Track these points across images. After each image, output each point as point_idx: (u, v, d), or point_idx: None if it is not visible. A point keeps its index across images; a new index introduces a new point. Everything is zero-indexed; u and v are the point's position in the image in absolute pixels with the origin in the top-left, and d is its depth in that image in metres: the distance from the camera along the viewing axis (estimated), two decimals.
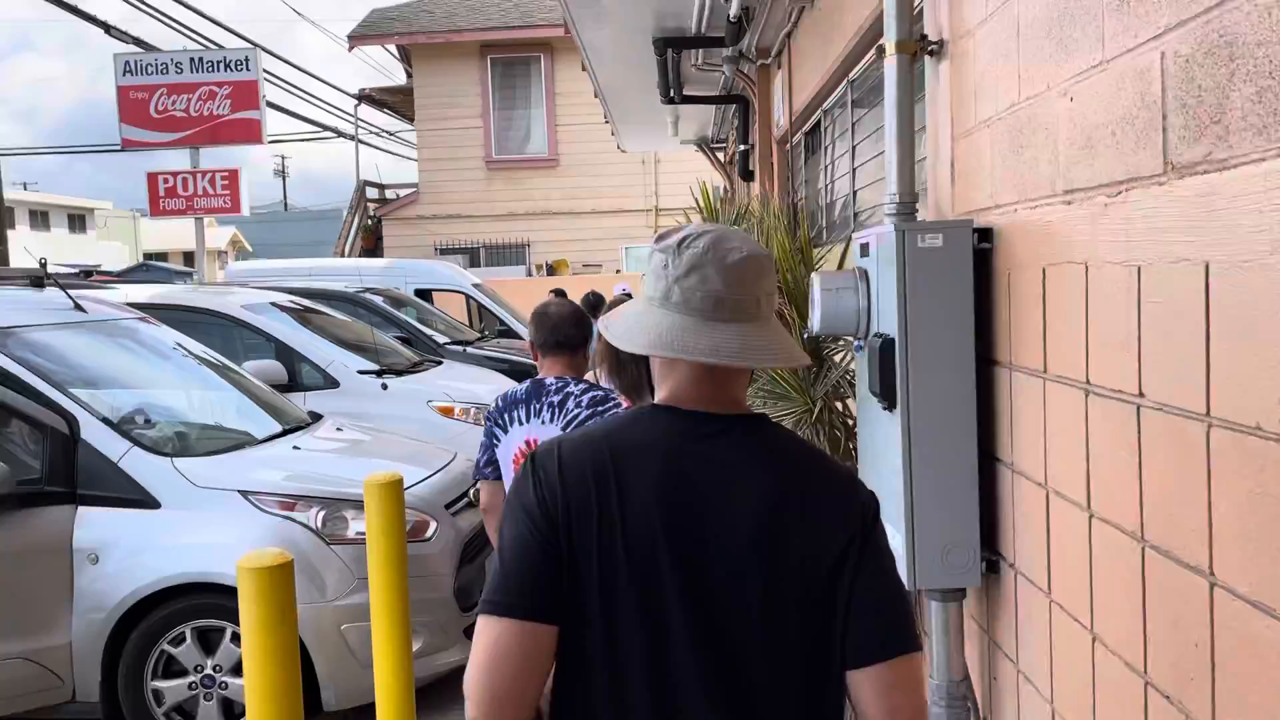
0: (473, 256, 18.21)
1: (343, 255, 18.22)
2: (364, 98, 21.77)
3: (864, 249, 2.69)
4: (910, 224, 2.36)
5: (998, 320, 2.31)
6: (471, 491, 4.47)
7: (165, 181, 14.63)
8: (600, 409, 3.00)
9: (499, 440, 3.12)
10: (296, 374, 6.88)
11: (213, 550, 3.91)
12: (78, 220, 49.44)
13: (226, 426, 4.87)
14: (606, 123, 11.96)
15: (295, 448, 4.62)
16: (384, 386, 6.88)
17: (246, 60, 14.55)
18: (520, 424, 3.06)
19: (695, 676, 1.32)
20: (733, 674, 1.33)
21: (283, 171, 53.91)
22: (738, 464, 1.37)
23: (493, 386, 7.75)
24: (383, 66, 36.28)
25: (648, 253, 1.50)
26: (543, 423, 3.03)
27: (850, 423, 3.26)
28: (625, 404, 2.85)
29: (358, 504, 3.99)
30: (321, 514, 4.09)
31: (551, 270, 17.73)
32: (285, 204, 53.49)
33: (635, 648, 1.33)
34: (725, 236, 1.42)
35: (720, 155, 11.74)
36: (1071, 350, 1.88)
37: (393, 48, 18.56)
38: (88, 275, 20.39)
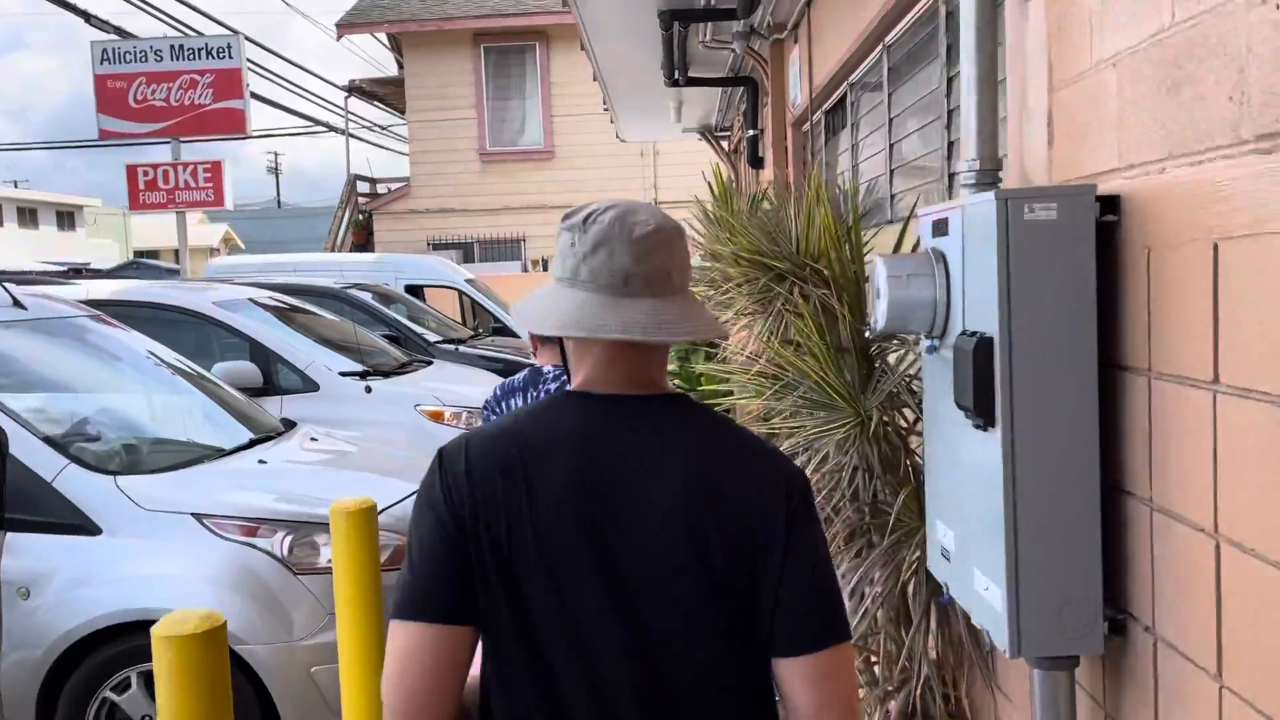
0: (466, 252, 17.68)
1: (333, 251, 17.70)
2: (354, 89, 21.21)
3: (938, 227, 2.17)
4: (1015, 192, 1.84)
5: (1129, 314, 1.80)
6: None
7: (145, 174, 14.08)
8: None
9: None
10: (272, 376, 6.36)
11: (161, 583, 3.39)
12: (66, 218, 48.83)
13: (184, 438, 4.35)
14: (605, 111, 11.44)
15: (261, 462, 4.10)
16: (368, 389, 6.36)
17: (229, 48, 13.99)
18: None
19: (623, 674, 1.29)
20: (660, 670, 1.29)
21: (276, 168, 53.50)
22: (655, 448, 1.32)
23: (485, 388, 7.24)
24: (374, 59, 35.80)
25: (557, 233, 1.41)
26: None
27: (910, 441, 2.74)
28: None
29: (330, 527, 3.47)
30: (288, 540, 3.57)
31: (547, 266, 17.20)
32: (279, 200, 53.04)
33: (559, 648, 1.28)
34: (632, 210, 1.37)
35: (724, 144, 11.23)
36: (1269, 354, 1.37)
37: (383, 36, 18.00)
38: (77, 273, 19.92)
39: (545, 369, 3.11)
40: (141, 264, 25.18)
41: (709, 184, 5.23)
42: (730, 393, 3.35)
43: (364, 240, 18.71)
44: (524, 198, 17.72)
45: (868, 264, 2.73)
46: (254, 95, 19.84)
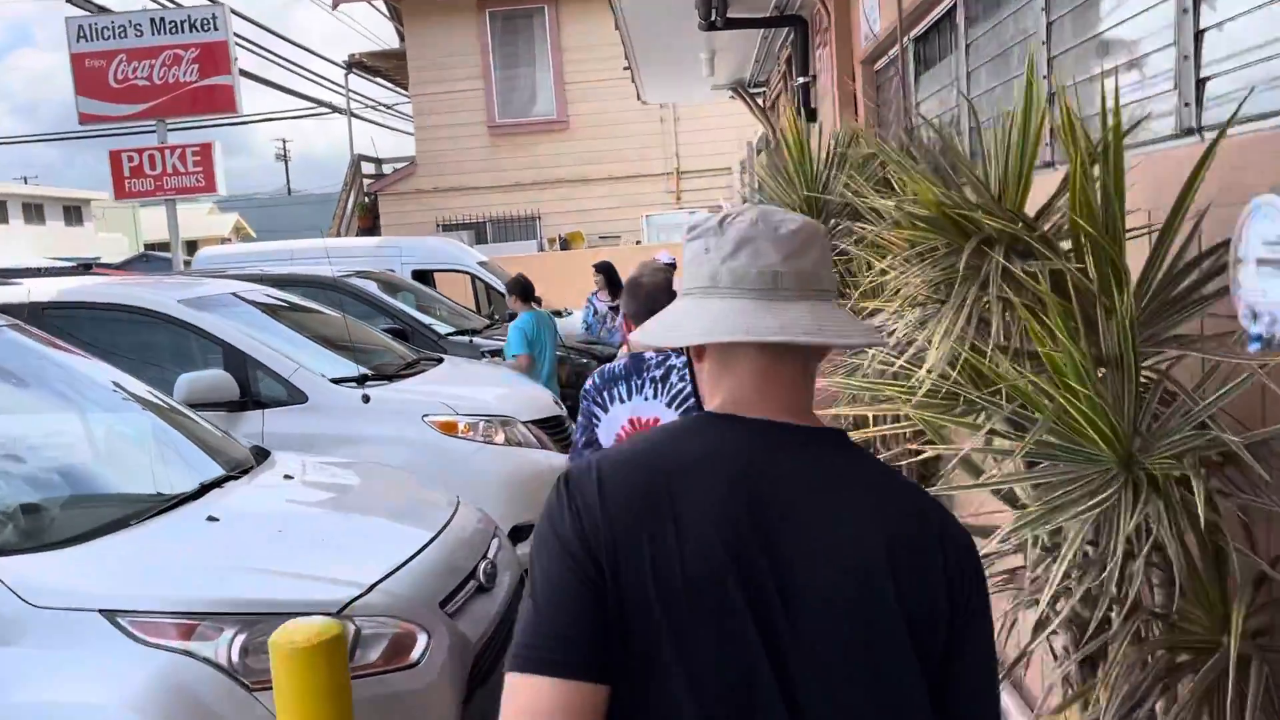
0: (478, 232, 16.60)
1: (338, 236, 16.67)
2: (354, 65, 20.09)
3: None
4: None
5: None
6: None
7: (130, 160, 13.03)
8: None
9: (599, 420, 2.97)
10: (251, 387, 5.32)
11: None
12: (74, 212, 48.07)
13: (112, 489, 3.31)
14: (625, 70, 10.33)
15: (212, 519, 3.05)
16: (365, 399, 5.31)
17: (213, 19, 12.89)
18: (622, 401, 2.93)
19: None
20: None
21: (284, 155, 52.81)
22: (822, 486, 1.15)
23: (505, 390, 6.18)
24: (375, 35, 34.66)
25: (683, 246, 1.26)
26: (645, 399, 2.92)
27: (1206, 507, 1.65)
28: None
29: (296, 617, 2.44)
30: (239, 641, 2.53)
31: (565, 244, 16.12)
32: (289, 187, 52.34)
33: (710, 708, 1.08)
34: (770, 209, 1.23)
35: (759, 100, 10.09)
36: None
37: (381, 4, 16.86)
38: (86, 268, 19.03)
39: (648, 355, 2.94)
40: (151, 257, 24.28)
41: (782, 136, 4.14)
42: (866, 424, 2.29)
43: (370, 224, 17.67)
44: (537, 172, 16.61)
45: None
46: (253, 77, 18.83)
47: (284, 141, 53.28)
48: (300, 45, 22.97)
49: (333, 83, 20.98)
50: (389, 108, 24.84)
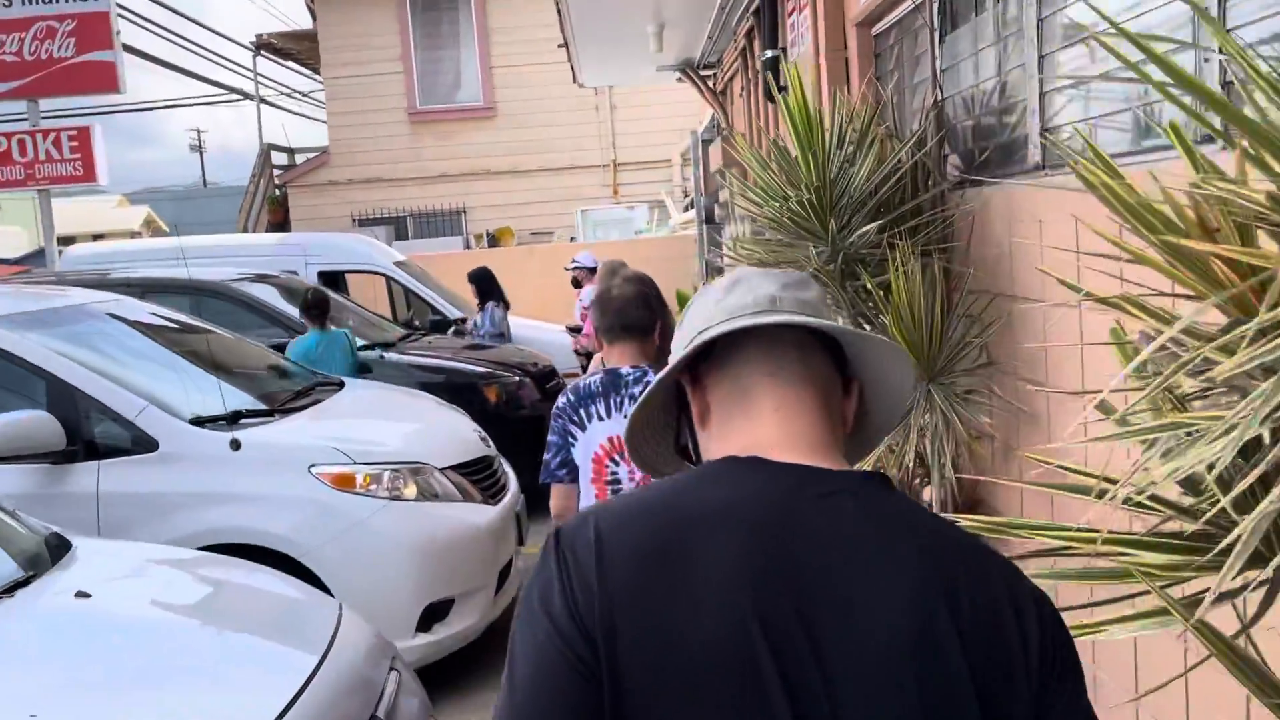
0: (398, 227, 15.32)
1: (244, 232, 15.25)
2: (263, 46, 18.59)
3: None
4: None
5: None
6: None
7: None
8: None
9: (575, 439, 2.83)
10: (82, 431, 4.11)
11: None
12: None
13: None
14: (560, 46, 9.22)
15: None
16: (234, 445, 4.13)
17: None
18: (600, 419, 2.81)
19: None
20: None
21: (199, 145, 50.66)
22: (866, 540, 0.97)
23: (417, 428, 5.05)
24: (288, 17, 32.82)
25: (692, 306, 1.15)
26: (625, 416, 2.26)
27: None
28: None
29: None
30: None
31: (494, 240, 14.93)
32: (204, 179, 50.18)
33: None
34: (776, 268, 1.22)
35: (709, 83, 9.07)
36: None
37: None
38: None
39: (623, 370, 2.84)
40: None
41: (788, 113, 3.12)
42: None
43: (282, 219, 16.25)
44: (463, 162, 15.37)
45: None
46: (157, 60, 17.23)
47: (199, 132, 51.12)
48: (203, 25, 21.26)
49: (242, 66, 19.44)
50: (305, 95, 23.30)
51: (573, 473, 2.87)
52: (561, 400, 2.88)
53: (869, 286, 3.00)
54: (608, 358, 2.93)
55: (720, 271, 9.79)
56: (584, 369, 8.89)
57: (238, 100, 22.64)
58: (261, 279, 7.92)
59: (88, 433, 4.14)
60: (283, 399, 5.00)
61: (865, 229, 2.95)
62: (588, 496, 2.85)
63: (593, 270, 9.01)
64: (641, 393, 2.66)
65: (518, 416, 7.04)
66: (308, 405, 4.92)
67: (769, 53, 6.00)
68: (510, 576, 4.82)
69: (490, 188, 15.36)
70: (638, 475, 2.80)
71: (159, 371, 4.84)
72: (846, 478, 1.02)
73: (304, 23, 18.36)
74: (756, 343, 1.07)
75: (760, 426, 1.04)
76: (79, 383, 4.16)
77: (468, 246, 14.91)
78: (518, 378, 7.17)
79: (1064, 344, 2.65)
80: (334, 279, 9.93)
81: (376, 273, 9.77)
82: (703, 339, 1.06)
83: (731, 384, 1.07)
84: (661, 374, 1.11)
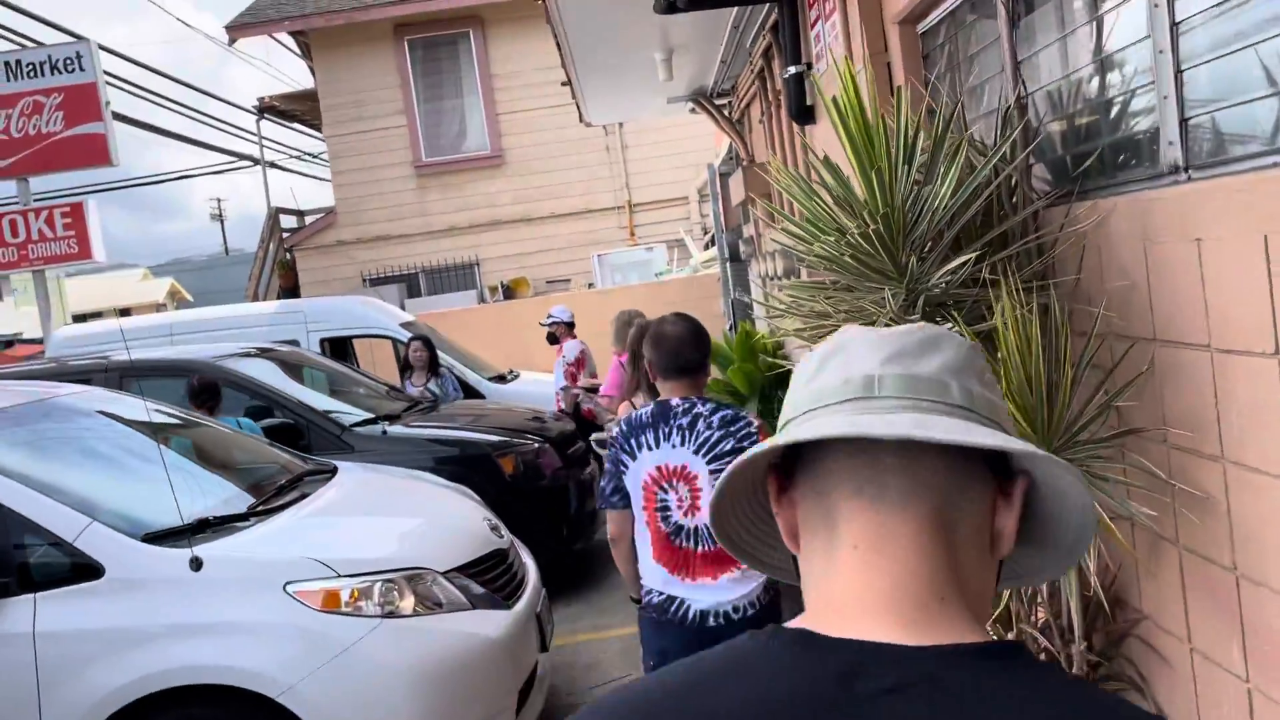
0: (410, 285, 14.77)
1: (255, 299, 14.76)
2: (266, 109, 18.26)
3: None
4: None
5: None
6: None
7: None
8: (732, 429, 2.96)
9: (626, 467, 3.04)
10: (12, 558, 3.46)
11: None
12: None
13: None
14: (564, 84, 8.65)
15: None
16: (195, 565, 3.46)
17: (78, 57, 11.02)
18: (650, 449, 3.00)
19: None
20: None
21: (219, 214, 51.08)
22: None
23: (415, 524, 4.37)
24: (289, 78, 32.70)
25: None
26: (673, 446, 2.98)
27: None
28: (758, 424, 2.98)
29: None
30: None
31: (509, 292, 14.34)
32: (225, 248, 50.43)
33: None
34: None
35: (725, 112, 8.44)
36: None
37: (284, 36, 15.07)
38: (9, 345, 16.76)
39: (674, 403, 3.02)
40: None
41: (840, 127, 2.44)
42: None
43: (293, 283, 15.77)
44: (472, 214, 14.84)
45: None
46: (161, 131, 16.91)
47: (219, 201, 51.51)
48: (204, 91, 20.99)
49: (248, 131, 19.10)
50: (314, 156, 22.98)
51: (625, 499, 3.07)
52: (615, 430, 3.12)
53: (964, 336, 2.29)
54: (660, 390, 3.11)
55: (748, 312, 9.06)
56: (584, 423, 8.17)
57: (246, 166, 22.37)
58: (263, 353, 7.31)
59: (19, 560, 3.49)
60: (267, 493, 4.34)
61: (958, 261, 2.26)
62: (639, 523, 3.07)
63: (571, 325, 8.38)
64: (690, 424, 2.96)
65: (538, 488, 6.35)
66: (290, 502, 4.25)
67: (792, 69, 5.36)
68: (535, 688, 4.11)
69: (502, 238, 14.80)
70: (686, 503, 2.99)
71: (119, 476, 4.21)
72: (937, 659, 0.72)
73: (308, 83, 18.04)
74: (842, 443, 0.79)
75: (834, 574, 0.79)
76: (8, 500, 3.51)
77: (482, 300, 14.33)
78: (536, 445, 6.49)
79: (1247, 403, 1.94)
80: (339, 345, 9.35)
81: (383, 336, 9.17)
82: (762, 449, 0.81)
83: (816, 501, 0.81)
84: (734, 465, 0.84)
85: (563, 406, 7.99)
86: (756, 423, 3.04)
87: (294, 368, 7.44)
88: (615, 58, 6.97)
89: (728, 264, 10.14)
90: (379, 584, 3.64)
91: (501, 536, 4.45)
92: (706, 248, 13.76)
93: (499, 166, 14.86)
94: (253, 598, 3.50)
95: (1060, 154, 2.81)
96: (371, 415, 6.66)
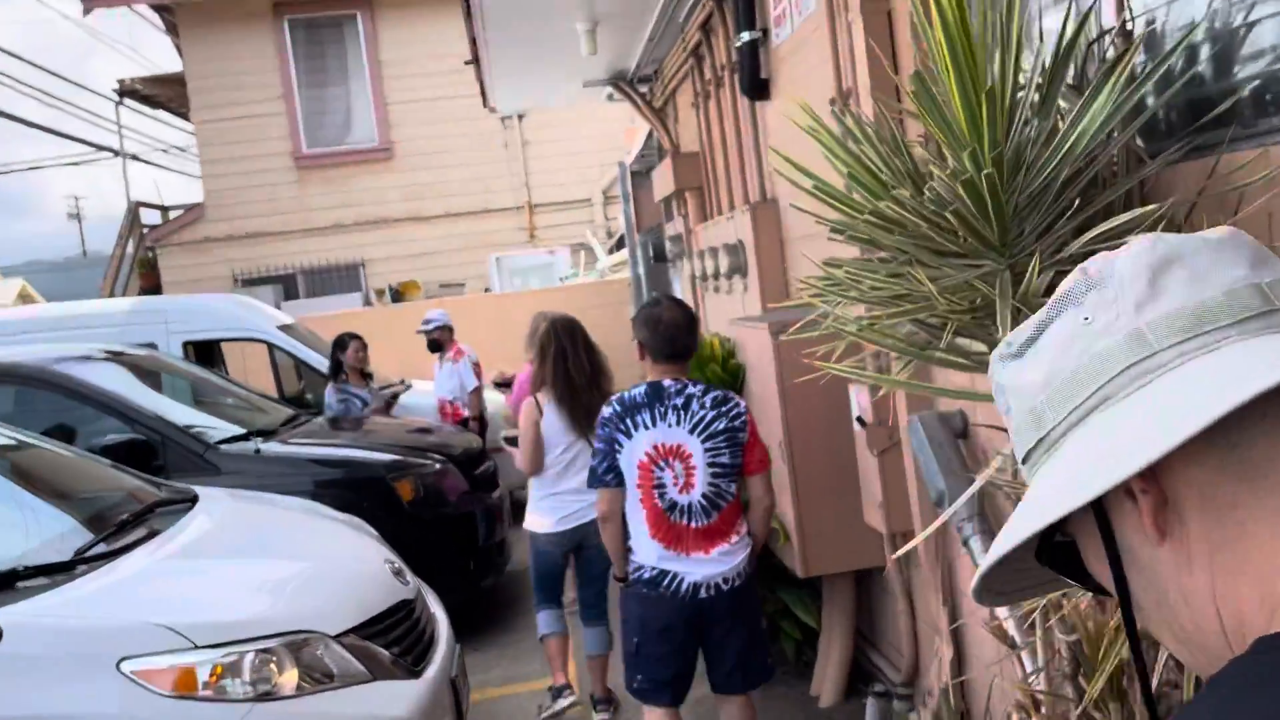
0: (288, 285, 13.58)
1: (112, 298, 13.31)
2: (127, 93, 16.71)
3: None
4: None
5: None
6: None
7: None
8: (724, 409, 3.14)
9: (621, 446, 3.15)
10: None
11: None
12: None
13: None
14: (468, 63, 7.81)
15: None
16: None
17: None
18: (646, 428, 3.12)
19: None
20: None
21: (77, 213, 47.83)
22: None
23: (298, 570, 3.47)
24: (150, 60, 30.73)
25: (1007, 366, 0.69)
26: (669, 425, 3.12)
27: None
28: (744, 404, 3.24)
29: None
30: None
31: (397, 295, 13.32)
32: (84, 249, 47.26)
33: None
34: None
35: (646, 99, 7.72)
36: None
37: (148, 11, 13.71)
38: None
39: (666, 384, 3.15)
40: None
41: (930, 36, 1.70)
42: None
43: (155, 283, 14.37)
44: (358, 210, 13.75)
45: None
46: (9, 116, 15.20)
47: (76, 199, 48.39)
48: (62, 76, 19.15)
49: (109, 120, 17.47)
50: (183, 150, 21.28)
51: (619, 477, 3.17)
52: (607, 410, 3.20)
53: None
54: (650, 372, 3.22)
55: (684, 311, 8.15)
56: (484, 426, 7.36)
57: (104, 157, 20.54)
58: (113, 356, 6.21)
59: None
60: (106, 531, 3.38)
61: (1117, 221, 1.57)
62: (633, 500, 3.17)
63: (452, 330, 7.57)
64: (684, 404, 3.11)
65: (441, 516, 5.48)
66: (134, 543, 3.30)
67: (745, 35, 4.68)
68: None
69: (391, 237, 13.76)
70: (681, 480, 3.11)
71: None
72: None
73: (175, 66, 16.57)
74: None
75: None
76: None
77: (368, 303, 13.27)
78: (437, 465, 5.62)
79: None
80: (205, 349, 8.24)
81: (256, 340, 8.11)
82: (1208, 419, 0.55)
83: (1239, 466, 0.59)
84: (1072, 499, 0.60)
85: (465, 413, 7.14)
86: (743, 403, 3.25)
87: (150, 374, 6.38)
88: (533, 28, 6.18)
89: (642, 267, 9.44)
90: (251, 655, 2.76)
91: (407, 582, 3.60)
92: (613, 251, 13.04)
93: (388, 160, 13.82)
94: (73, 682, 2.57)
95: (1207, 88, 2.16)
96: (243, 430, 5.68)
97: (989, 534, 2.58)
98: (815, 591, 4.31)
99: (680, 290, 7.08)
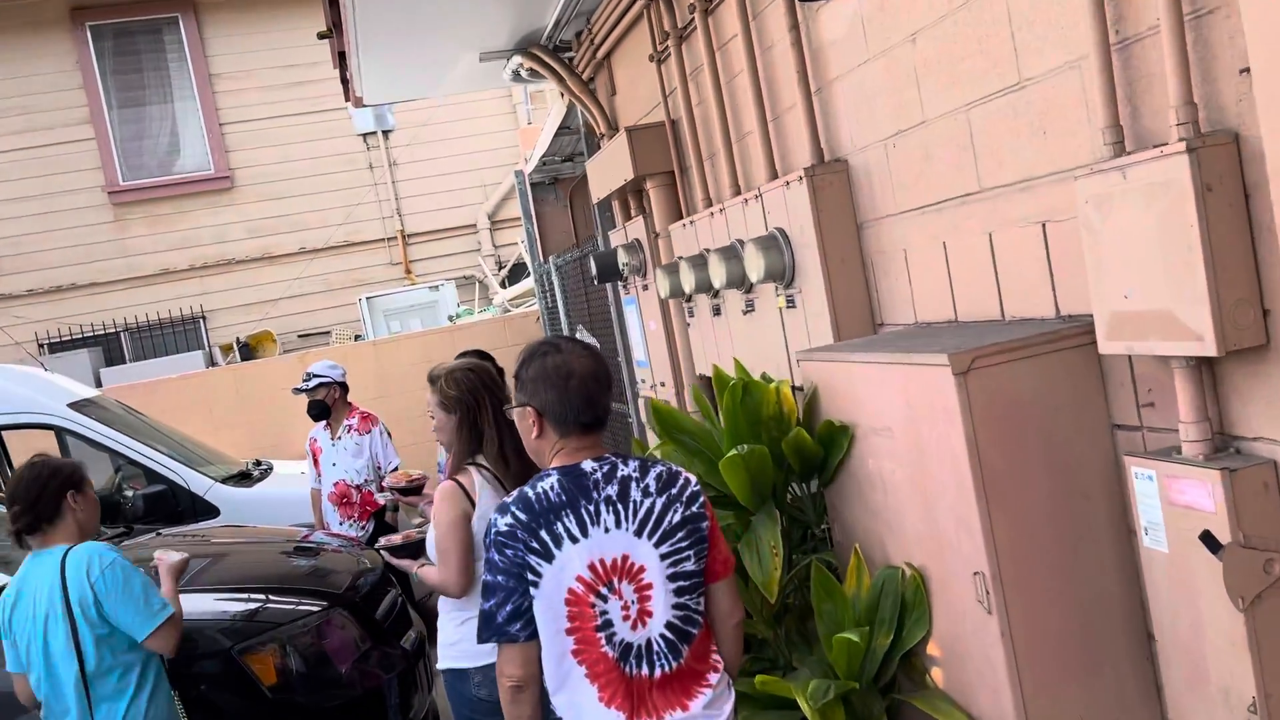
0: (109, 348, 11.11)
1: None
2: None
3: None
4: None
5: None
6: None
7: None
8: (674, 491, 2.11)
9: (539, 575, 2.01)
10: None
11: None
12: None
13: None
14: (323, 36, 5.88)
15: None
16: None
17: None
18: (573, 540, 2.04)
19: None
20: None
21: None
22: None
23: None
24: None
25: None
26: (605, 530, 2.05)
27: None
28: (698, 483, 2.16)
29: None
30: None
31: (248, 352, 11.01)
32: None
33: None
34: None
35: (571, 66, 5.87)
36: None
37: None
38: None
39: (585, 465, 2.09)
40: None
41: None
42: None
43: None
44: (193, 253, 11.39)
45: None
46: None
47: None
48: None
49: None
50: None
51: (531, 627, 2.04)
52: (503, 522, 2.05)
53: None
54: (559, 453, 2.12)
55: (596, 358, 6.17)
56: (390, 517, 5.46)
57: None
58: None
59: None
60: None
61: None
62: (561, 653, 2.04)
63: (347, 388, 5.58)
64: (620, 493, 2.05)
65: (329, 698, 3.44)
66: None
67: None
68: None
69: (236, 282, 11.44)
70: (634, 609, 2.05)
71: None
72: None
73: None
74: None
75: None
76: None
77: (213, 364, 10.91)
78: (316, 612, 3.57)
79: None
80: None
81: (44, 426, 5.83)
82: None
83: None
84: None
85: (381, 501, 5.15)
86: (696, 481, 2.16)
87: None
88: None
89: (559, 296, 7.57)
90: None
91: None
92: (505, 283, 11.10)
93: (227, 190, 11.52)
94: None
95: None
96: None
97: None
98: None
99: (639, 318, 5.22)
